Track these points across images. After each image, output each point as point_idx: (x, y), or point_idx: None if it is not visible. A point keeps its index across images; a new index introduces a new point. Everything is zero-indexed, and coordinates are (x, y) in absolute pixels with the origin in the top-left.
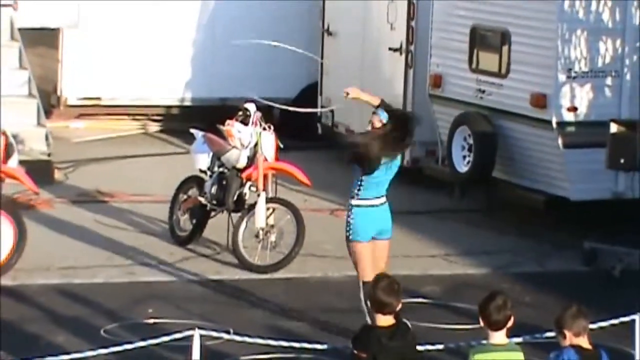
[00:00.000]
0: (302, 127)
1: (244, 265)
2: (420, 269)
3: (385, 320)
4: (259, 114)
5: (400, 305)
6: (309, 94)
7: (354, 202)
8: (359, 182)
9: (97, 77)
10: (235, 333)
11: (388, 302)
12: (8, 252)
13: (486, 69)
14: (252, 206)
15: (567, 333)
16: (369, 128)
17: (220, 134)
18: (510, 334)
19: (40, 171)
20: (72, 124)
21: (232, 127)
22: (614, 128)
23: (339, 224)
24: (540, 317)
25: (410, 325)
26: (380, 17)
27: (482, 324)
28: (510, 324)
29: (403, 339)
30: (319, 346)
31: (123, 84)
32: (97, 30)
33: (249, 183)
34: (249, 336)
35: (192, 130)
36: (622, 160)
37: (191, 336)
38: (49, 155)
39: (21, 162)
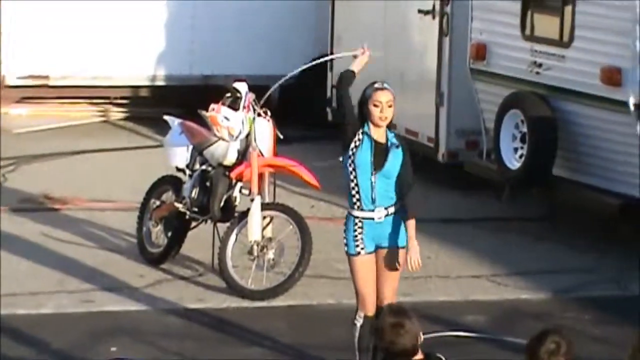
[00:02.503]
0: (307, 112)
1: (233, 289)
2: (461, 293)
3: None
4: (251, 96)
5: (422, 339)
6: (316, 69)
7: (350, 211)
8: (352, 189)
9: (44, 50)
10: None
11: (400, 350)
12: None
13: (544, 35)
14: (244, 214)
15: None
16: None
17: (202, 122)
18: None
19: None
20: (13, 109)
21: (218, 112)
22: None
23: None
24: (615, 354)
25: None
26: None
27: None
28: None
29: None
30: None
31: (77, 59)
32: None
33: (239, 184)
34: None
35: (167, 118)
36: None
37: None
38: None
39: None
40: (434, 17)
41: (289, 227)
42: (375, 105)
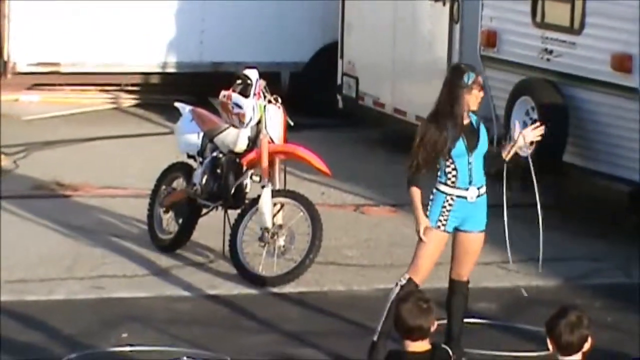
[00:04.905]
0: (318, 99)
1: (244, 276)
2: (472, 280)
3: (416, 346)
4: (262, 83)
5: (434, 326)
6: (326, 57)
7: (442, 187)
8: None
9: (54, 36)
10: None
11: (416, 325)
12: None
13: (555, 22)
14: (255, 201)
15: None
16: None
17: (213, 109)
18: None
19: None
20: (23, 96)
21: (229, 99)
22: None
23: (366, 223)
24: (626, 341)
25: (450, 353)
26: None
27: (550, 347)
28: (587, 347)
29: None
30: None
31: (88, 46)
32: None
33: (250, 171)
34: None
35: (177, 105)
36: None
37: None
38: None
39: None
40: (444, 4)
41: (300, 214)
42: (478, 91)
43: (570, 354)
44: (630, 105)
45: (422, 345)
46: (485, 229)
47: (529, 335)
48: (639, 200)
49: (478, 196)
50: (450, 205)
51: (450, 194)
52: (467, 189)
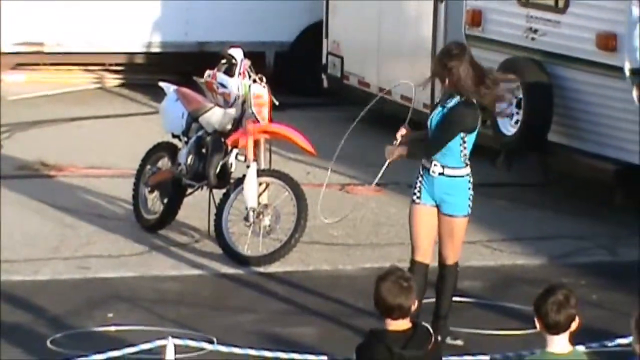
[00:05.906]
0: (303, 78)
1: (230, 256)
2: None
3: (397, 325)
4: (247, 62)
5: (415, 305)
6: (311, 36)
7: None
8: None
9: (39, 16)
10: (220, 342)
11: (396, 304)
12: None
13: (539, 1)
14: (240, 181)
15: None
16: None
17: (197, 89)
18: (574, 341)
19: None
20: (8, 76)
21: (214, 79)
22: None
23: (351, 202)
24: (611, 319)
25: (432, 331)
26: None
27: (537, 326)
28: (574, 326)
29: (421, 348)
30: (323, 357)
31: (72, 26)
32: None
33: (235, 151)
34: (238, 346)
35: (162, 84)
36: None
37: (163, 347)
38: None
39: None
40: None
41: (285, 194)
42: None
43: (557, 333)
44: (616, 84)
45: (403, 324)
46: (467, 214)
47: (513, 313)
48: (624, 179)
49: (442, 174)
50: (421, 176)
51: (422, 165)
52: (430, 162)
